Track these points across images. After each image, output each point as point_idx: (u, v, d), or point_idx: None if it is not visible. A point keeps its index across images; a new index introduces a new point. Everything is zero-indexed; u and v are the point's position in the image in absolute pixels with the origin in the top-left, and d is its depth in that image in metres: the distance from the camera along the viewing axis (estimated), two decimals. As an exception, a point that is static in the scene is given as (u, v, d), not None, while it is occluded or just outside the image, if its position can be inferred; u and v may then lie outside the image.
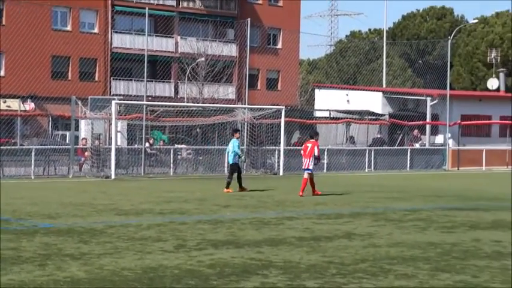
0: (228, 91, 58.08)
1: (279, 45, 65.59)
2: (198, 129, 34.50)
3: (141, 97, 36.34)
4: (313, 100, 51.11)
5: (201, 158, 32.23)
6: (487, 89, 59.29)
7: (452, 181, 30.30)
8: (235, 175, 22.64)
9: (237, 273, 9.69)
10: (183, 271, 9.81)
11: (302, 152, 21.64)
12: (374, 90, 46.40)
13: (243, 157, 23.50)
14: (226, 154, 23.95)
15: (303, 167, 21.49)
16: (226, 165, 27.41)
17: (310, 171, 21.30)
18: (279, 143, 32.40)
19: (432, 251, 11.75)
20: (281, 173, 31.62)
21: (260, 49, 61.37)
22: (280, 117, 32.36)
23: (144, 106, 31.18)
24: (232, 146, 22.88)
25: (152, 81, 55.40)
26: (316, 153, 21.26)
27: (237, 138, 23.29)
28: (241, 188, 22.56)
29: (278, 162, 32.31)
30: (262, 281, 9.26)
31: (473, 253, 11.58)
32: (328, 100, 45.60)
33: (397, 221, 15.71)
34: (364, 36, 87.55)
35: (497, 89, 56.38)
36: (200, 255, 10.96)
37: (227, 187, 22.35)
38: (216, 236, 12.94)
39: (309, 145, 21.41)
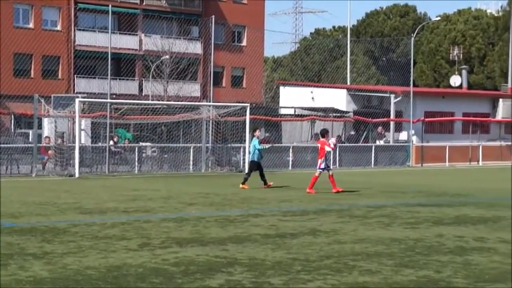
0: (192, 89, 57.95)
1: (244, 43, 65.59)
2: (162, 127, 34.38)
3: (105, 95, 36.10)
4: (278, 97, 51.20)
5: (166, 155, 32.12)
6: (450, 86, 59.89)
7: (415, 177, 30.55)
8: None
9: (202, 271, 9.67)
10: (148, 269, 9.76)
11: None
12: (338, 88, 46.59)
13: (255, 157, 23.47)
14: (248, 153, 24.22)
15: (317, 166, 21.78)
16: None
17: (321, 170, 21.48)
18: (244, 140, 32.40)
19: (396, 246, 11.82)
20: (246, 170, 31.56)
21: (225, 46, 61.34)
22: (245, 115, 32.37)
23: (108, 104, 30.98)
24: (253, 144, 23.41)
25: (116, 79, 55.08)
26: (327, 150, 21.48)
27: (257, 137, 23.70)
28: (267, 185, 23.08)
29: (243, 159, 32.31)
30: (227, 279, 9.24)
31: (437, 248, 11.68)
32: (293, 97, 45.72)
33: (362, 217, 15.80)
34: (329, 34, 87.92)
35: (460, 86, 56.98)
36: (165, 254, 10.92)
37: (243, 183, 22.92)
38: (180, 234, 12.90)
39: (319, 145, 21.78)
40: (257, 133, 24.06)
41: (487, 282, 9.21)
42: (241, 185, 22.93)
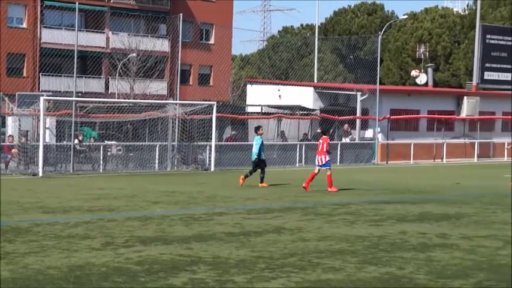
0: (159, 87, 57.68)
1: (212, 41, 65.46)
2: (128, 125, 34.17)
3: (71, 93, 35.81)
4: (245, 95, 51.15)
5: (131, 154, 31.94)
6: (416, 84, 60.27)
7: (381, 175, 30.72)
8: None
9: (166, 270, 9.64)
10: (111, 269, 9.71)
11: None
12: (305, 85, 46.67)
13: (262, 155, 23.52)
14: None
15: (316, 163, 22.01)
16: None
17: (320, 167, 21.69)
18: (211, 138, 32.36)
19: (360, 244, 11.89)
20: (212, 169, 31.59)
21: (192, 45, 61.16)
22: (212, 113, 32.33)
23: (74, 102, 30.73)
24: (256, 143, 23.44)
25: (82, 77, 54.67)
26: (325, 149, 21.70)
27: (261, 135, 23.72)
28: (262, 184, 23.14)
29: (209, 158, 32.27)
30: (191, 277, 9.23)
31: (400, 245, 11.76)
32: (260, 95, 45.69)
33: (326, 215, 15.86)
34: (297, 32, 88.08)
35: (426, 84, 57.34)
36: (128, 252, 10.87)
37: (261, 182, 23.10)
38: (145, 233, 12.85)
39: (321, 141, 22.00)
40: (260, 131, 24.07)
41: (449, 278, 9.29)
42: (260, 185, 23.06)
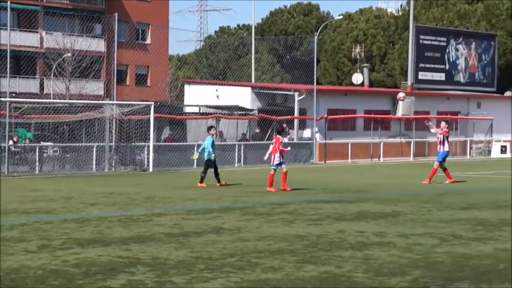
0: (95, 87, 57.08)
1: (148, 41, 65.09)
2: (65, 126, 33.72)
3: (4, 94, 35.15)
4: (183, 96, 50.98)
5: (68, 155, 31.54)
6: (352, 84, 60.92)
7: (319, 174, 30.95)
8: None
9: (104, 272, 9.54)
10: (47, 271, 9.56)
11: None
12: (243, 86, 46.75)
13: (212, 156, 23.59)
14: (201, 150, 24.14)
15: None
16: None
17: (275, 167, 21.59)
18: (149, 139, 32.17)
19: (299, 243, 11.95)
20: (151, 170, 31.41)
21: (129, 44, 60.71)
22: (150, 113, 32.13)
23: (8, 103, 30.18)
24: (207, 142, 23.47)
25: (16, 77, 53.76)
26: (277, 149, 21.63)
27: (212, 135, 23.91)
28: (220, 183, 23.16)
29: (147, 158, 32.07)
30: (129, 279, 9.15)
31: (338, 244, 11.86)
32: (198, 96, 45.60)
33: (266, 214, 15.90)
34: (233, 32, 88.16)
35: (362, 84, 58.02)
36: (65, 255, 10.71)
37: (201, 182, 23.03)
38: (82, 235, 12.69)
39: (274, 141, 21.94)
40: (212, 131, 24.32)
41: (386, 276, 9.41)
42: (198, 184, 23.06)
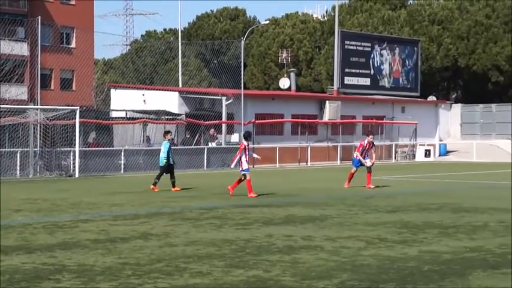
0: (19, 91, 55.91)
1: (73, 45, 64.22)
2: (-13, 132, 32.98)
3: None
4: (109, 100, 50.45)
5: (-10, 161, 30.84)
6: (279, 88, 61.29)
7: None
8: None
9: (28, 279, 9.34)
10: (-31, 281, 9.32)
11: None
12: (170, 90, 46.53)
13: (171, 160, 23.60)
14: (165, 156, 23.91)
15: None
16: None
17: (247, 172, 21.32)
18: (74, 144, 31.71)
19: (227, 248, 11.93)
20: (77, 175, 30.97)
21: (53, 48, 59.68)
22: (75, 118, 31.69)
23: None
24: (164, 147, 23.50)
25: None
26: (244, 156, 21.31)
27: (169, 140, 23.84)
28: (175, 188, 23.25)
29: (73, 163, 31.61)
30: (54, 286, 8.99)
31: (266, 248, 11.89)
32: (124, 100, 45.20)
33: (194, 219, 15.84)
34: (160, 36, 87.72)
35: (289, 88, 58.45)
36: (-12, 263, 10.46)
37: (173, 186, 23.23)
38: (5, 242, 12.40)
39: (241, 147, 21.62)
40: (168, 136, 24.28)
41: (313, 279, 9.47)
42: (172, 189, 23.22)
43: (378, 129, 49.46)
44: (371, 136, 25.36)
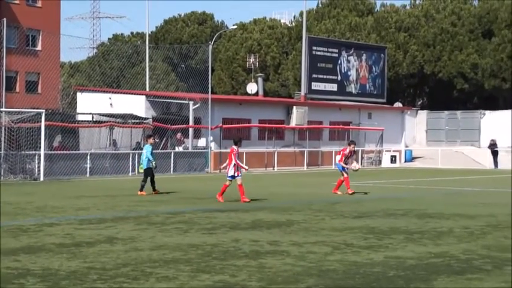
0: (-17, 94, 55.36)
1: (39, 47, 63.66)
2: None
3: None
4: (76, 103, 50.10)
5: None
6: (247, 93, 61.34)
7: (214, 183, 30.92)
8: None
9: (-8, 284, 9.25)
10: None
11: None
12: (137, 94, 46.32)
13: (153, 163, 23.85)
14: (146, 160, 24.00)
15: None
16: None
17: (230, 179, 21.13)
18: (40, 147, 31.44)
19: (193, 252, 11.91)
20: (42, 178, 30.70)
21: (18, 51, 59.15)
22: (41, 121, 31.43)
23: None
24: (146, 151, 23.70)
25: None
26: (233, 161, 21.08)
27: (151, 144, 24.03)
28: (155, 191, 23.49)
29: (38, 167, 31.34)
30: (19, 291, 8.90)
31: (233, 253, 11.88)
32: (91, 103, 44.92)
33: (160, 224, 15.78)
34: (127, 40, 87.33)
35: (256, 93, 58.52)
36: (-49, 267, 10.33)
37: (141, 190, 23.29)
38: (-31, 246, 12.26)
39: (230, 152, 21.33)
40: (151, 140, 24.48)
41: (280, 284, 9.48)
42: (138, 192, 23.32)
43: (344, 135, 49.70)
44: (353, 146, 25.39)
